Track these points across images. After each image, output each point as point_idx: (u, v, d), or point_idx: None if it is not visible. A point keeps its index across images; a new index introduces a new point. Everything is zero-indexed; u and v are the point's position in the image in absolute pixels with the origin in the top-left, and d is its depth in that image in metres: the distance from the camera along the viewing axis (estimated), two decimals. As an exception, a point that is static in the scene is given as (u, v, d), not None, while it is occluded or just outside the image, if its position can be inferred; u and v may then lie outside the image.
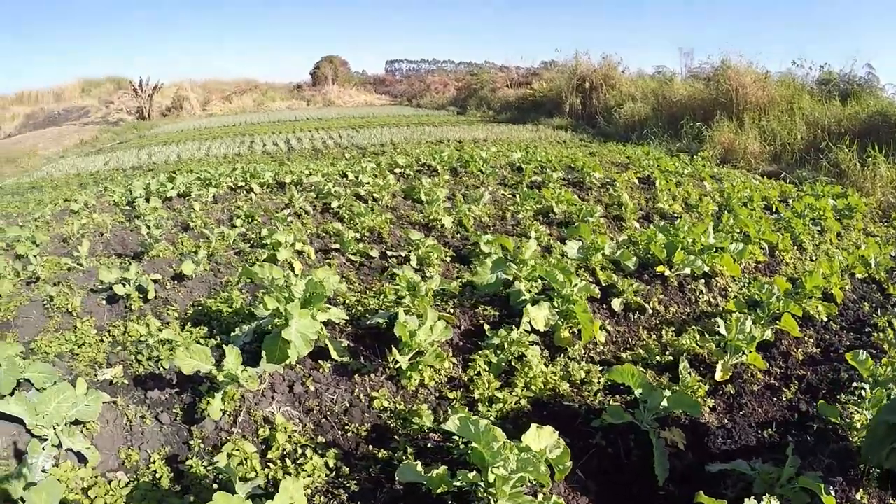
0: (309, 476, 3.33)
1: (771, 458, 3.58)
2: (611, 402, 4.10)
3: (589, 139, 19.88)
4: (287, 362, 4.22)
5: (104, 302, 5.78)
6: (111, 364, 4.60)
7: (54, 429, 3.42)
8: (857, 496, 3.42)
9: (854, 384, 4.56)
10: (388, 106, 42.50)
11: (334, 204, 9.08)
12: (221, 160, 16.52)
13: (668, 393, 3.66)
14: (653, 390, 3.71)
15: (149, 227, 7.65)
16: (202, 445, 3.67)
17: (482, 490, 2.87)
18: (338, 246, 7.05)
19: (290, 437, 3.66)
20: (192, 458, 3.49)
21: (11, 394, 3.73)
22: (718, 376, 4.63)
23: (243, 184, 10.75)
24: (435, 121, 26.61)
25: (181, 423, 3.89)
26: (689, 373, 4.40)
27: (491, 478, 2.75)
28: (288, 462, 3.45)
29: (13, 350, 4.23)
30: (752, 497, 2.85)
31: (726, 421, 4.20)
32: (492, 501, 2.84)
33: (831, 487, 3.31)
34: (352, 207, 8.93)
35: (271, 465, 3.43)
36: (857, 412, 4.07)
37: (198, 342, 4.83)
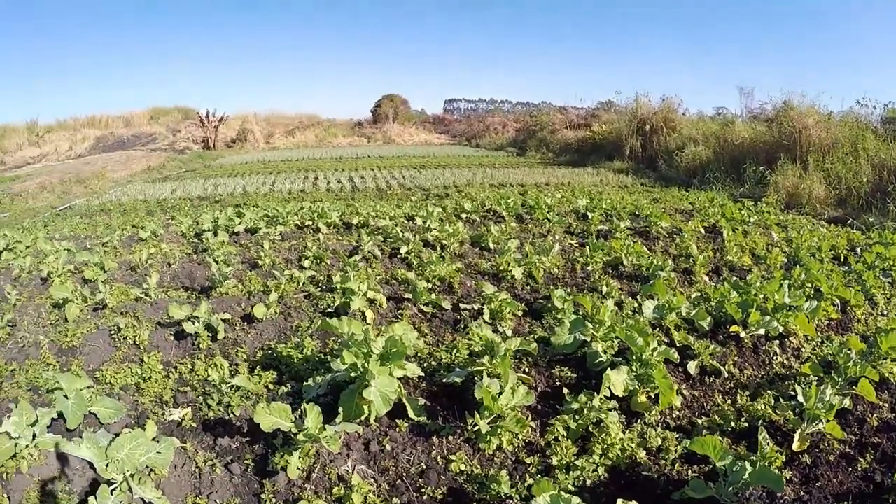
0: None
1: None
2: (689, 473, 4.03)
3: (650, 183, 19.70)
4: (363, 419, 4.28)
5: (172, 337, 5.93)
6: (178, 404, 4.73)
7: (125, 475, 3.43)
8: None
9: None
10: (448, 145, 43.12)
11: (403, 249, 9.20)
12: (286, 195, 16.95)
13: (749, 467, 3.59)
14: (734, 463, 3.64)
15: (217, 263, 7.85)
16: (274, 500, 3.71)
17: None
18: (409, 295, 7.12)
19: (365, 497, 3.68)
20: None
21: (77, 428, 3.88)
22: (796, 446, 4.49)
23: (310, 223, 11.02)
24: (495, 162, 26.83)
25: (252, 474, 3.94)
26: (768, 443, 4.27)
27: None
28: None
29: (81, 384, 4.40)
30: None
31: (802, 493, 4.07)
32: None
33: None
34: (420, 254, 9.06)
35: None
36: None
37: (267, 388, 4.98)
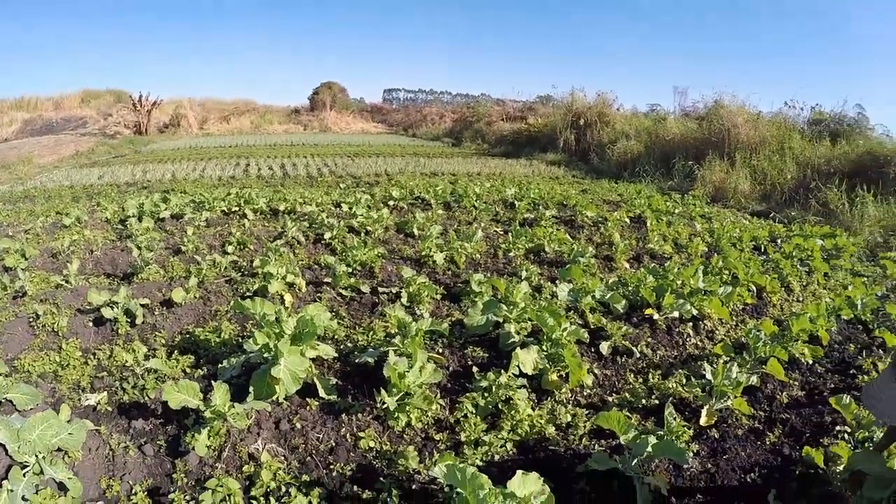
0: None
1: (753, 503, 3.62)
2: (596, 447, 4.11)
3: (582, 175, 20.07)
4: (274, 398, 4.23)
5: (91, 324, 5.79)
6: (95, 389, 4.61)
7: (37, 456, 3.38)
8: None
9: (838, 427, 4.63)
10: (385, 135, 42.81)
11: (327, 235, 9.14)
12: (216, 182, 16.57)
13: (653, 440, 3.66)
14: (638, 437, 3.72)
15: (140, 249, 7.69)
16: (185, 479, 3.65)
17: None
18: (329, 279, 7.07)
19: (274, 474, 3.64)
20: (174, 493, 3.48)
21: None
22: (703, 421, 4.64)
23: (237, 209, 10.83)
24: (430, 152, 26.77)
25: (165, 455, 3.87)
26: (675, 418, 4.39)
27: None
28: (272, 500, 3.45)
29: (-3, 370, 4.25)
30: None
31: (710, 466, 4.19)
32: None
33: None
34: (344, 240, 9.00)
35: (254, 503, 3.43)
36: (841, 457, 4.08)
37: (184, 371, 4.88)
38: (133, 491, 3.53)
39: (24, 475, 3.29)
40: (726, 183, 16.38)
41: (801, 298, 7.95)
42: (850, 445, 4.06)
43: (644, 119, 25.65)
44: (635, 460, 3.68)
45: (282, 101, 62.72)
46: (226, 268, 7.38)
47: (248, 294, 6.56)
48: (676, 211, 12.89)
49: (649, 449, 3.63)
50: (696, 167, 17.90)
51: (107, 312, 5.71)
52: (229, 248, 8.34)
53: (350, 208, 10.98)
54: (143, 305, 6.00)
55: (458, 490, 2.90)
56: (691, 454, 4.17)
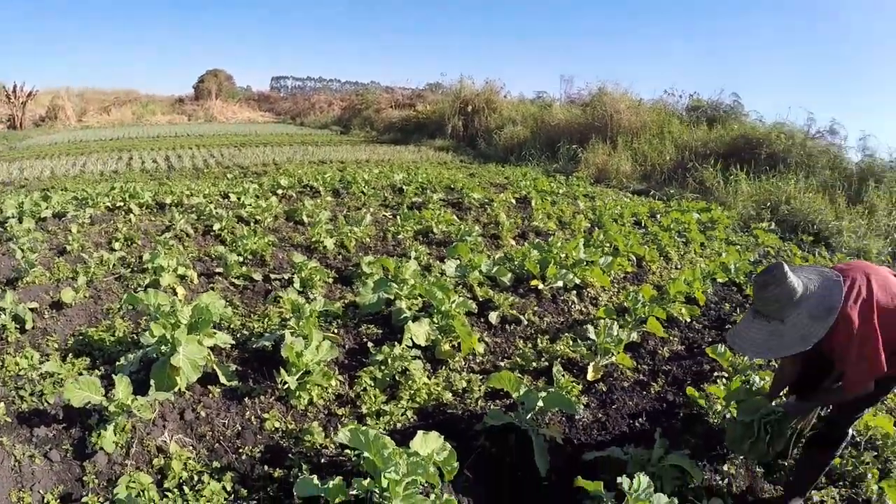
0: (208, 501, 3.38)
1: (643, 444, 3.99)
2: (492, 407, 4.40)
3: (469, 160, 20.53)
4: (176, 389, 4.23)
5: None
6: None
7: None
8: (725, 468, 4.05)
9: (715, 374, 5.26)
10: (272, 124, 41.87)
11: (216, 226, 9.03)
12: (98, 178, 15.77)
13: (543, 394, 3.99)
14: (529, 392, 4.03)
15: (23, 251, 7.28)
16: (97, 481, 3.63)
17: (377, 495, 3.06)
18: (221, 270, 7.04)
19: (185, 464, 3.68)
20: (87, 495, 3.45)
21: None
22: (590, 376, 5.09)
23: (122, 204, 10.42)
24: (318, 140, 26.51)
25: (72, 459, 3.81)
26: (563, 375, 4.81)
27: (384, 483, 2.94)
28: (186, 489, 3.48)
29: None
30: (626, 476, 3.21)
31: (600, 415, 4.63)
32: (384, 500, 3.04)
33: (699, 462, 3.87)
34: (234, 230, 8.93)
35: (169, 494, 3.45)
36: (718, 397, 4.64)
37: (81, 374, 4.68)
38: (45, 500, 3.47)
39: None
40: (609, 164, 17.37)
41: (679, 266, 8.67)
42: (725, 388, 4.55)
43: (531, 105, 26.41)
44: (529, 414, 3.99)
45: (165, 91, 60.07)
46: (114, 265, 7.15)
47: (139, 289, 6.38)
48: (561, 191, 13.54)
49: (540, 403, 3.94)
50: (581, 150, 18.81)
51: (-7, 319, 5.37)
52: (116, 245, 8.06)
53: (238, 198, 10.85)
54: (31, 310, 5.71)
55: (365, 454, 3.07)
56: (582, 406, 4.58)
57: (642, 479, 3.18)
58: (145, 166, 17.77)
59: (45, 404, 4.28)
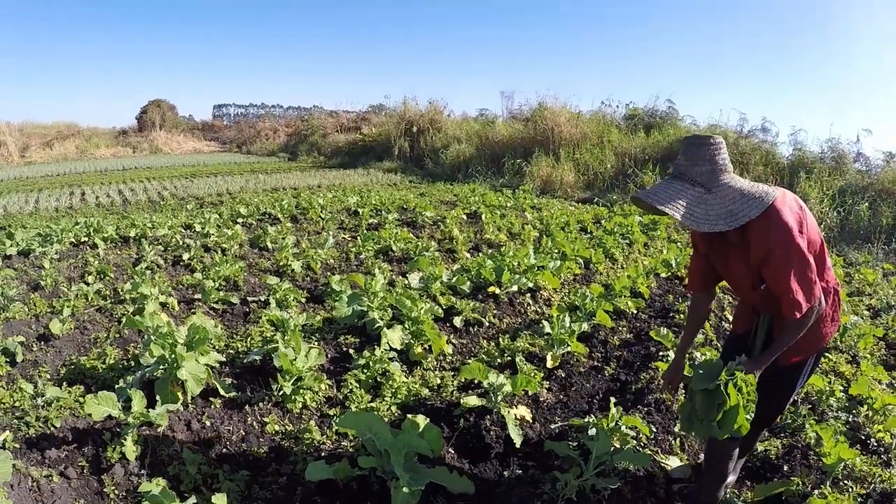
0: (226, 499, 3.62)
1: (601, 415, 4.63)
2: (466, 397, 4.93)
3: (418, 180, 21.27)
4: (180, 402, 4.65)
5: None
6: None
7: None
8: (675, 428, 4.69)
9: (661, 353, 5.96)
10: (218, 153, 41.78)
11: (185, 256, 9.38)
12: (54, 213, 15.87)
13: (508, 380, 4.68)
14: (498, 378, 4.71)
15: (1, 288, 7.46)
16: (116, 492, 3.87)
17: (380, 470, 3.60)
18: (199, 296, 7.43)
19: (199, 468, 4.02)
20: None
21: None
22: (549, 364, 5.77)
23: (87, 239, 10.66)
24: (267, 168, 26.89)
25: (90, 475, 4.02)
26: (525, 364, 5.53)
27: (388, 456, 3.48)
28: (203, 490, 3.84)
29: None
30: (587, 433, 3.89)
31: (562, 396, 5.33)
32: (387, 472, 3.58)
33: (650, 424, 4.56)
34: (202, 259, 9.31)
35: (188, 496, 3.66)
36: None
37: (77, 401, 4.86)
38: (69, 514, 3.65)
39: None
40: (553, 176, 18.20)
41: (624, 266, 9.49)
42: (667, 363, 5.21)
43: (474, 123, 27.28)
44: (499, 396, 4.64)
45: (107, 123, 58.98)
46: (92, 297, 7.40)
47: (124, 318, 6.72)
48: (509, 205, 14.29)
49: (508, 387, 4.61)
50: (525, 164, 19.67)
51: (-18, 355, 5.48)
52: (90, 279, 8.32)
53: (203, 228, 11.20)
54: (20, 343, 5.86)
55: (368, 434, 3.56)
56: (545, 390, 5.29)
57: (601, 434, 3.82)
58: (100, 201, 17.82)
59: (52, 428, 4.44)
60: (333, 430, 4.54)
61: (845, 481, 4.02)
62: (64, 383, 5.17)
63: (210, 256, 9.49)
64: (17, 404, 4.80)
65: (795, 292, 2.86)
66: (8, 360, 5.63)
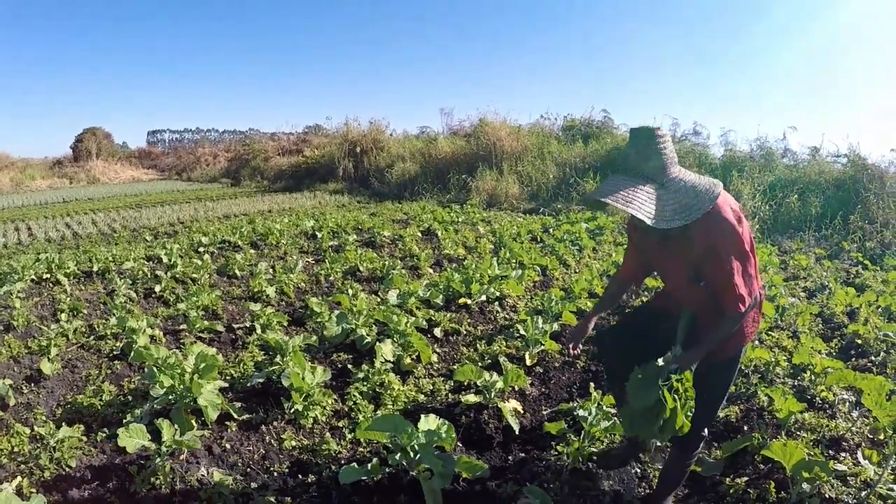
0: None
1: (582, 400, 5.36)
2: (461, 397, 5.48)
3: (366, 200, 21.77)
4: (194, 429, 4.87)
5: None
6: (1, 480, 4.42)
7: None
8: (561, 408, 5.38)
9: None
10: (157, 181, 41.39)
11: (157, 288, 9.51)
12: (2, 250, 15.64)
13: (500, 377, 5.33)
14: (491, 377, 5.33)
15: None
16: None
17: (407, 464, 4.01)
18: (183, 326, 7.65)
19: (230, 489, 4.24)
20: None
21: None
22: (528, 362, 6.40)
23: (48, 276, 10.48)
24: (212, 195, 26.88)
25: None
26: (508, 363, 6.00)
27: (411, 451, 3.91)
28: None
29: None
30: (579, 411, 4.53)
31: (544, 389, 5.99)
32: (416, 466, 3.99)
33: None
34: (175, 290, 9.48)
35: None
36: None
37: (81, 440, 4.94)
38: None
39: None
40: (498, 189, 18.80)
41: (577, 270, 10.29)
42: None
43: (416, 141, 27.88)
44: (493, 392, 5.25)
45: (39, 153, 57.37)
46: (73, 335, 7.33)
47: (114, 352, 6.89)
48: (460, 220, 14.85)
49: (500, 383, 5.25)
50: (470, 179, 20.26)
51: (-28, 399, 5.37)
52: (62, 316, 8.17)
53: (169, 259, 11.26)
54: (10, 386, 5.72)
55: (393, 434, 3.97)
56: (529, 385, 5.89)
57: (593, 410, 4.46)
58: (50, 235, 17.61)
59: (68, 468, 4.50)
60: (347, 439, 4.96)
61: (798, 432, 4.80)
62: (63, 423, 5.14)
63: (182, 287, 9.67)
64: (16, 449, 4.81)
65: (739, 286, 2.94)
66: (-1, 405, 5.52)
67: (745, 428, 4.93)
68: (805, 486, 3.73)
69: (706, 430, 3.62)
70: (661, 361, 3.26)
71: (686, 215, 2.78)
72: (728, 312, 3.04)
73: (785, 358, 6.03)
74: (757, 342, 6.38)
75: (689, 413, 3.14)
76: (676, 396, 3.12)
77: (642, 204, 2.80)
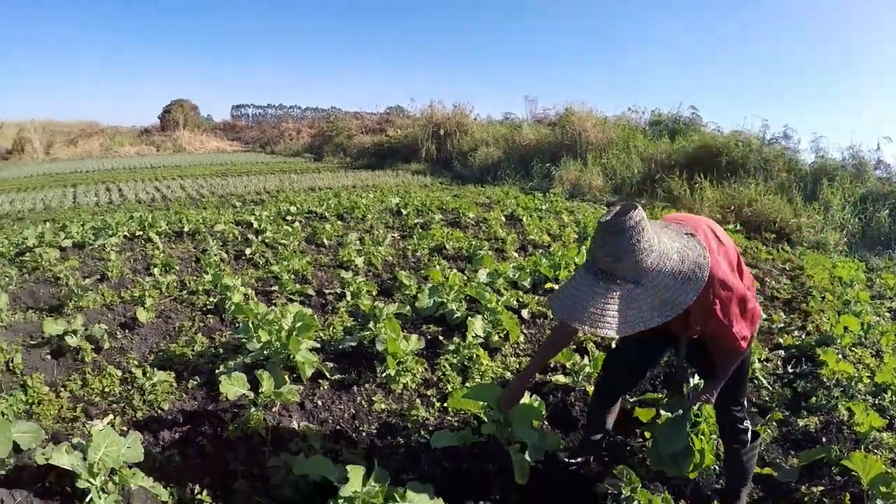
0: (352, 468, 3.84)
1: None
2: (548, 377, 5.46)
3: (448, 182, 21.70)
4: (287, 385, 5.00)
5: (49, 356, 5.55)
6: (91, 416, 4.59)
7: (110, 475, 3.28)
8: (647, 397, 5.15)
9: None
10: (241, 153, 42.22)
11: (247, 251, 9.81)
12: (94, 209, 16.35)
13: (588, 360, 5.32)
14: (578, 362, 5.34)
15: (67, 278, 7.63)
16: (242, 469, 4.00)
17: (500, 436, 4.00)
18: (275, 288, 7.85)
19: (321, 442, 4.35)
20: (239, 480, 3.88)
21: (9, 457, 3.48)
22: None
23: (140, 233, 10.89)
24: (296, 168, 27.41)
25: (211, 453, 4.19)
26: (596, 350, 6.00)
27: (509, 423, 3.91)
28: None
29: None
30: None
31: None
32: (509, 437, 3.98)
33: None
34: (264, 254, 9.72)
35: None
36: None
37: (171, 385, 5.11)
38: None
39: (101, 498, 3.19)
40: (581, 180, 18.47)
41: None
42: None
43: (500, 127, 27.80)
44: (581, 376, 5.23)
45: (128, 122, 59.46)
46: (167, 288, 7.62)
47: (207, 307, 7.10)
48: (543, 207, 14.65)
49: (589, 367, 5.20)
50: (553, 168, 19.98)
51: (71, 340, 5.55)
52: (155, 271, 8.50)
53: (259, 224, 11.63)
54: (106, 330, 5.90)
55: (489, 408, 4.01)
56: None
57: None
58: (139, 197, 18.34)
59: (160, 411, 4.68)
60: (435, 406, 5.02)
61: (876, 449, 4.62)
62: (155, 368, 5.32)
63: (272, 252, 9.90)
64: (107, 389, 5.05)
65: (741, 329, 2.87)
66: (93, 347, 5.73)
67: (824, 440, 4.79)
68: (880, 501, 3.74)
69: (746, 421, 3.51)
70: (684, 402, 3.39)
71: (668, 311, 2.53)
72: (731, 352, 3.03)
73: (867, 375, 5.78)
74: (840, 356, 6.09)
75: (714, 447, 3.27)
76: (703, 437, 3.22)
77: (615, 316, 2.55)
